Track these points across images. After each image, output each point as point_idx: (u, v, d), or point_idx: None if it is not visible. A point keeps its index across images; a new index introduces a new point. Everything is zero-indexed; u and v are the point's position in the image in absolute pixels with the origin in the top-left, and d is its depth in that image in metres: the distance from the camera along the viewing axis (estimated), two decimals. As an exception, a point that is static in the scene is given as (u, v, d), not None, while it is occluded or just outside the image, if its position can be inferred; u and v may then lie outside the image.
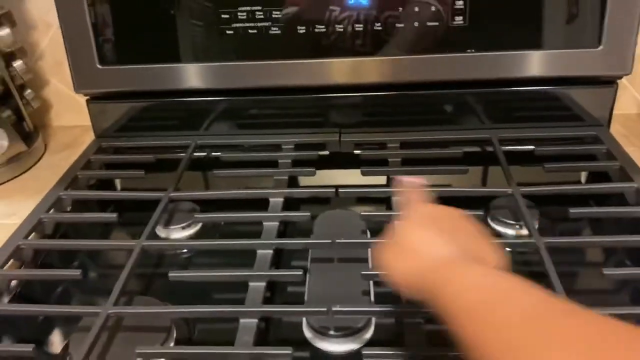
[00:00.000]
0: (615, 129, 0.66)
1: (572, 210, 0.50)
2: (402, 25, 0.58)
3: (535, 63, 0.60)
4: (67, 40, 0.62)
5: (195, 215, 0.54)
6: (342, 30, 0.59)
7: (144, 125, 0.68)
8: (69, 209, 0.58)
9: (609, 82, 0.62)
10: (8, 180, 0.66)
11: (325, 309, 0.42)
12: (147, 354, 0.40)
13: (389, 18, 0.58)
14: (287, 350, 0.39)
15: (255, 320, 0.42)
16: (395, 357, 0.39)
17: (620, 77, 0.61)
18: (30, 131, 0.71)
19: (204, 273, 0.47)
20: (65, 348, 0.45)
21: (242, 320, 0.42)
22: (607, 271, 0.43)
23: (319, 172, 0.60)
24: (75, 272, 0.47)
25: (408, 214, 0.37)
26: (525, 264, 0.50)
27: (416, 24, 0.58)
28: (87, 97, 0.67)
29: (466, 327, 0.27)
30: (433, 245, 0.33)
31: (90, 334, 0.41)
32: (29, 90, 0.70)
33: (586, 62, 0.59)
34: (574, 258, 0.51)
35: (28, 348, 0.40)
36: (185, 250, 0.56)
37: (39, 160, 0.71)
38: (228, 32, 0.60)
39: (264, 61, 0.61)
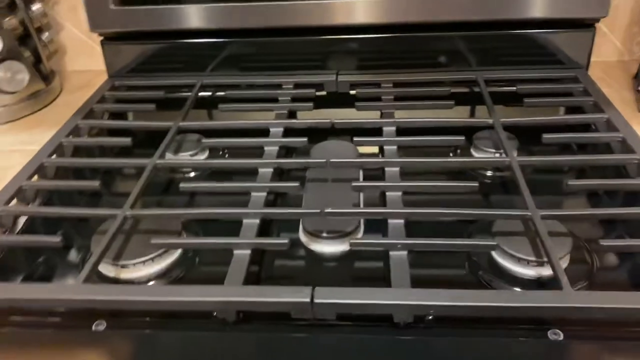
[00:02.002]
0: (595, 74, 0.70)
1: (545, 136, 0.56)
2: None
3: (518, 5, 0.64)
4: (83, -18, 0.66)
5: (203, 141, 0.59)
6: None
7: (153, 66, 0.73)
8: (86, 136, 0.63)
9: (588, 26, 0.66)
10: (28, 115, 0.72)
11: (318, 211, 0.47)
12: (161, 244, 0.45)
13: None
14: (285, 240, 0.44)
15: (257, 221, 0.48)
16: (378, 246, 0.44)
17: (597, 20, 0.65)
18: (47, 72, 0.76)
19: (211, 184, 0.52)
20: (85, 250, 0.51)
21: (244, 221, 0.48)
22: (570, 182, 0.49)
23: (316, 110, 0.65)
24: (94, 183, 0.53)
25: None
26: (501, 184, 0.56)
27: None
28: (102, 38, 0.72)
29: None
30: None
31: (108, 233, 0.46)
32: (46, 34, 0.75)
33: (566, 5, 0.63)
34: (545, 176, 0.56)
35: (56, 239, 0.46)
36: (191, 175, 0.61)
37: (55, 98, 0.76)
38: (233, -26, 0.65)
39: (268, 2, 0.66)
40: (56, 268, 0.49)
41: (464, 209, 0.46)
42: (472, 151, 0.61)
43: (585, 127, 0.62)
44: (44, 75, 0.75)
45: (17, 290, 0.40)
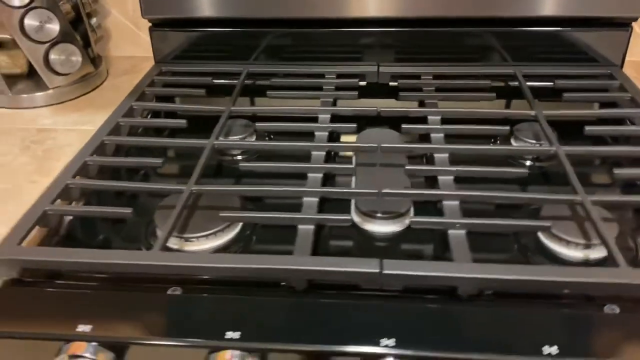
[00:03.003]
0: (628, 73, 0.72)
1: (588, 128, 0.58)
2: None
3: (557, 3, 0.66)
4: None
5: (257, 125, 0.61)
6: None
7: (198, 54, 0.76)
8: (139, 117, 0.65)
9: (624, 25, 0.68)
10: (78, 97, 0.74)
11: (376, 191, 0.49)
12: (229, 217, 0.48)
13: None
14: (348, 216, 0.47)
15: (317, 199, 0.50)
16: (438, 225, 0.46)
17: (635, 19, 0.68)
18: (94, 57, 0.78)
19: (270, 164, 0.54)
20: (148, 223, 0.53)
21: (304, 199, 0.50)
22: (617, 171, 0.51)
23: (358, 100, 0.68)
24: (157, 161, 0.55)
25: None
26: (546, 174, 0.58)
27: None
28: (150, 25, 0.74)
29: None
30: None
31: (177, 206, 0.48)
32: (94, 19, 0.77)
33: (603, 4, 0.66)
34: (585, 167, 0.58)
35: (127, 210, 0.48)
36: (240, 158, 0.64)
37: (102, 82, 0.78)
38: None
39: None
40: (115, 241, 0.52)
41: (517, 192, 0.49)
42: (512, 142, 0.63)
43: (618, 121, 0.64)
44: (92, 59, 0.77)
45: (100, 255, 0.42)
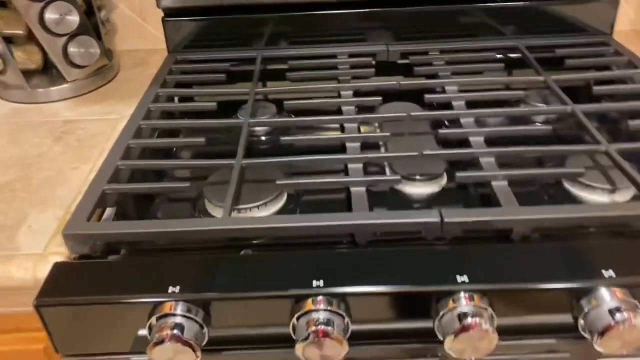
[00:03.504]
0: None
1: (596, 88, 0.63)
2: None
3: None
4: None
5: (285, 103, 0.63)
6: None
7: (210, 42, 0.77)
8: (165, 103, 0.67)
9: (613, -4, 0.74)
10: (95, 90, 0.74)
11: (417, 154, 0.53)
12: (286, 184, 0.50)
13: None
14: (397, 176, 0.50)
15: (360, 165, 0.53)
16: (482, 179, 0.50)
17: (623, -10, 0.73)
18: (106, 49, 0.79)
19: (310, 136, 0.57)
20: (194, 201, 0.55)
21: (350, 165, 0.53)
22: (632, 122, 0.56)
23: (374, 77, 0.71)
24: (200, 140, 0.57)
25: None
26: (563, 131, 0.62)
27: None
28: (162, 16, 0.75)
29: None
30: None
31: (232, 180, 0.50)
32: (103, 12, 0.78)
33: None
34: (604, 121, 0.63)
35: (185, 184, 0.50)
36: (264, 139, 0.66)
37: (115, 75, 0.79)
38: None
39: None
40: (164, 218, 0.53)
41: (545, 146, 0.53)
42: (522, 106, 0.67)
43: (622, 81, 0.69)
44: (105, 52, 0.77)
45: (176, 224, 0.44)
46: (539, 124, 0.64)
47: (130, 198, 0.54)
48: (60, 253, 0.46)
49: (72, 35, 0.69)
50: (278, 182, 0.50)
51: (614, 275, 0.40)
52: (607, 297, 0.39)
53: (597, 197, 0.51)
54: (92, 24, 0.75)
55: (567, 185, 0.53)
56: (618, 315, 0.38)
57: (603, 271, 0.40)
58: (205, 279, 0.41)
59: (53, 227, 0.49)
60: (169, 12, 0.76)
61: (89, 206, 0.47)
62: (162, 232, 0.44)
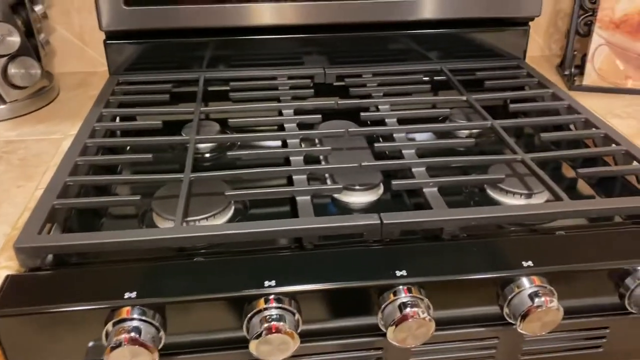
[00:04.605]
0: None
1: (512, 106, 0.70)
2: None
3: (469, 6, 0.79)
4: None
5: (230, 120, 0.66)
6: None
7: (152, 64, 0.79)
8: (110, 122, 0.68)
9: (524, 24, 0.83)
10: (35, 110, 0.74)
11: (357, 165, 0.57)
12: (235, 195, 0.53)
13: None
14: (339, 185, 0.54)
15: (305, 177, 0.56)
16: (415, 186, 0.54)
17: (532, 19, 0.82)
18: (46, 71, 0.79)
19: (257, 151, 0.60)
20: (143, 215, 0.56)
21: (295, 177, 0.56)
22: (543, 135, 0.63)
23: (313, 98, 0.75)
24: (147, 156, 0.58)
25: None
26: (484, 144, 0.69)
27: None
28: (104, 38, 0.77)
29: None
30: None
31: (182, 193, 0.52)
32: (42, 35, 0.78)
33: (508, 7, 0.79)
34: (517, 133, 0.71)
35: (136, 197, 0.51)
36: (208, 156, 0.68)
37: (56, 96, 0.79)
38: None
39: (263, 3, 0.75)
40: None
41: (471, 156, 0.59)
42: (448, 122, 0.73)
43: (533, 99, 0.77)
44: (45, 73, 0.77)
45: (128, 235, 0.46)
46: (464, 138, 0.71)
47: (78, 215, 0.55)
48: (8, 267, 0.46)
49: (13, 57, 0.70)
50: (227, 193, 0.52)
51: (532, 265, 0.45)
52: (527, 284, 0.44)
53: (515, 201, 0.57)
54: (32, 46, 0.75)
55: (490, 191, 0.58)
56: (537, 300, 0.43)
57: (523, 262, 0.46)
58: (160, 285, 0.43)
59: (0, 243, 0.49)
60: (111, 35, 0.77)
61: (39, 221, 0.48)
62: (115, 242, 0.45)
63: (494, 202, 0.57)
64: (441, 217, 0.49)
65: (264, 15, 0.77)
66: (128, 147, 0.67)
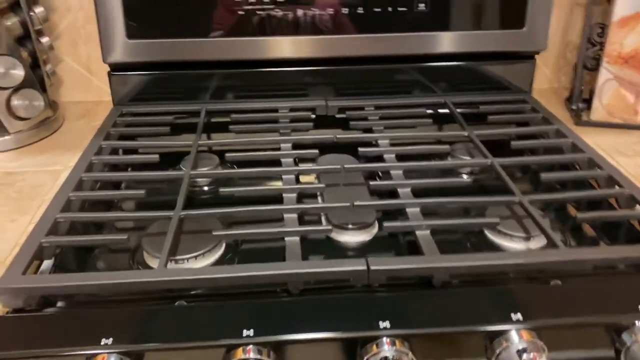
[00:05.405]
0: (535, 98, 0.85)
1: (514, 143, 0.68)
2: (377, 9, 0.75)
3: (476, 41, 0.78)
4: (100, 17, 0.72)
5: (227, 155, 0.66)
6: (332, 12, 0.74)
7: (156, 95, 0.80)
8: (109, 155, 0.68)
9: (530, 57, 0.81)
10: (38, 140, 0.75)
11: (349, 204, 0.56)
12: (222, 235, 0.52)
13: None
14: (329, 226, 0.53)
15: (295, 215, 0.55)
16: (408, 228, 0.53)
17: (538, 52, 0.80)
18: (51, 102, 0.80)
19: (249, 188, 0.60)
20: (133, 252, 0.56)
21: (285, 216, 0.55)
22: (544, 175, 0.61)
23: (313, 130, 0.75)
24: (140, 192, 0.58)
25: None
26: (484, 183, 0.67)
27: (389, 8, 0.75)
28: (109, 70, 0.78)
29: None
30: None
31: (169, 232, 0.52)
32: (49, 66, 0.79)
33: (514, 41, 0.78)
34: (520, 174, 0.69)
35: (123, 236, 0.51)
36: (207, 189, 0.68)
37: (60, 126, 0.80)
38: (239, 12, 0.74)
39: (265, 37, 0.75)
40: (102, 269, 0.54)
41: (467, 197, 0.57)
42: (449, 159, 0.72)
43: (536, 136, 0.75)
44: (49, 104, 0.78)
45: (111, 277, 0.46)
46: (465, 175, 0.69)
47: (69, 250, 0.55)
48: (-6, 307, 0.46)
49: (17, 89, 0.71)
50: (214, 232, 0.52)
51: (521, 318, 0.43)
52: (515, 339, 0.43)
53: (513, 245, 0.55)
54: (37, 77, 0.77)
55: (487, 232, 0.57)
56: (525, 356, 0.42)
57: (512, 314, 0.44)
58: (138, 331, 0.43)
59: (-13, 281, 0.49)
60: (115, 67, 0.78)
61: (25, 259, 0.48)
62: (95, 284, 0.45)
63: (490, 244, 0.56)
64: (431, 264, 0.48)
65: (269, 48, 0.77)
66: (124, 182, 0.67)
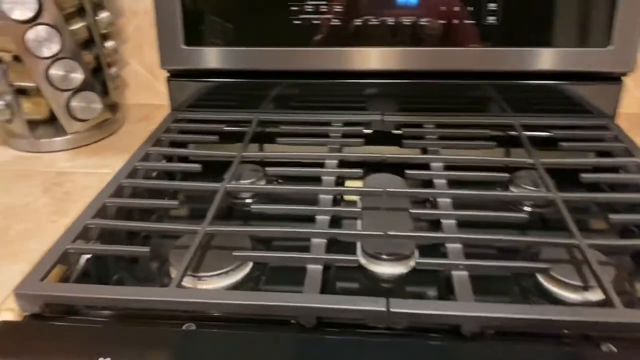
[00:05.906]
0: (621, 124, 0.76)
1: (583, 175, 0.61)
2: (443, 21, 0.70)
3: (554, 59, 0.71)
4: (160, 23, 0.73)
5: (268, 169, 0.64)
6: (392, 24, 0.70)
7: (212, 102, 0.79)
8: (155, 162, 0.69)
9: (616, 79, 0.72)
10: (95, 142, 0.77)
11: (382, 233, 0.52)
12: (243, 256, 0.50)
13: (433, 15, 0.70)
14: (355, 257, 0.49)
15: (324, 240, 0.52)
16: (441, 267, 0.48)
17: (625, 74, 0.71)
18: (112, 103, 0.82)
19: (280, 206, 0.57)
20: (162, 263, 0.55)
21: (313, 240, 0.52)
22: (612, 216, 0.53)
23: (364, 147, 0.71)
24: (174, 202, 0.58)
25: None
26: (544, 219, 0.60)
27: (455, 21, 0.69)
28: (167, 75, 0.78)
29: None
30: None
31: (192, 246, 0.50)
32: (114, 69, 0.81)
33: (598, 60, 0.70)
34: (587, 211, 0.61)
35: (144, 249, 0.50)
36: (250, 201, 0.66)
37: (119, 128, 0.82)
38: (295, 22, 0.72)
39: (324, 47, 0.72)
40: (130, 279, 0.54)
41: (517, 236, 0.51)
42: (512, 188, 0.66)
43: (613, 170, 0.67)
44: (110, 106, 0.81)
45: (118, 292, 0.45)
46: (526, 207, 0.62)
47: (96, 258, 0.55)
48: (15, 310, 0.47)
49: (76, 91, 0.73)
50: (234, 253, 0.50)
51: (557, 389, 0.37)
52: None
53: (568, 294, 0.49)
54: (100, 79, 0.79)
55: (539, 276, 0.50)
56: None
57: (547, 383, 0.38)
58: (138, 353, 0.41)
59: (15, 282, 0.50)
60: (174, 73, 0.79)
61: (47, 265, 0.48)
62: (102, 298, 0.44)
63: (540, 290, 0.49)
64: (459, 311, 0.42)
65: (328, 59, 0.74)
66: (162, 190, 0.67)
